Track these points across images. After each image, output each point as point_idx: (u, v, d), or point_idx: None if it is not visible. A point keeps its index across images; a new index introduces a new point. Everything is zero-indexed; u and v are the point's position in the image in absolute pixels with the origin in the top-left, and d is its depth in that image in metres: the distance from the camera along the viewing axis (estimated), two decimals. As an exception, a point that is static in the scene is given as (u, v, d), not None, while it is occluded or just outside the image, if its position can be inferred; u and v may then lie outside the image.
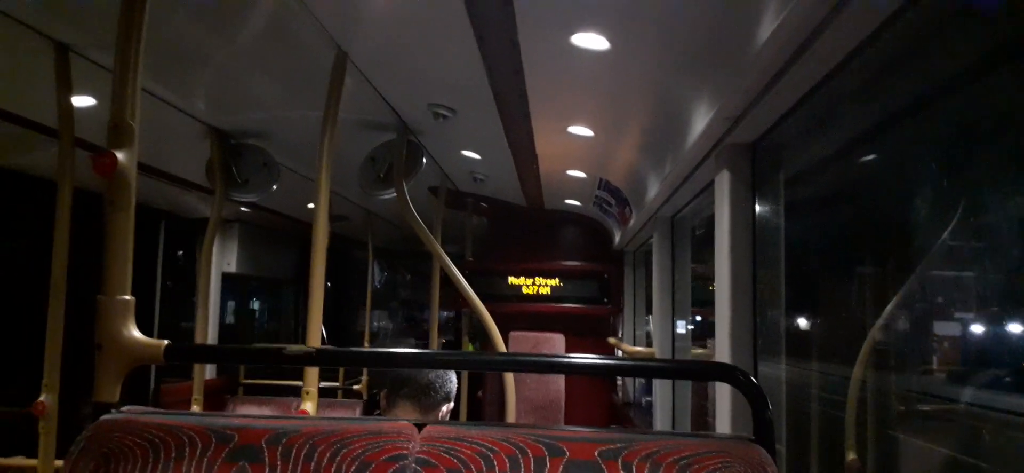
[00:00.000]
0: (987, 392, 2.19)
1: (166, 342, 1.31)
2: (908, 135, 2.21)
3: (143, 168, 4.04)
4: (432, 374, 2.17)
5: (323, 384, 6.35)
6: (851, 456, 2.39)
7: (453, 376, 2.25)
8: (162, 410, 1.34)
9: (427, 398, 2.16)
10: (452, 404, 2.24)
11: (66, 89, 2.64)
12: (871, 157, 2.51)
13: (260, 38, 2.59)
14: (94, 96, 2.90)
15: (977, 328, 2.28)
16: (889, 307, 2.39)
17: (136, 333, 1.33)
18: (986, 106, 1.90)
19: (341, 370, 6.76)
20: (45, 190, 3.13)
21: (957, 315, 2.36)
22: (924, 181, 2.27)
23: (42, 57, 2.58)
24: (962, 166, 2.11)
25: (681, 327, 4.58)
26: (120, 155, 1.35)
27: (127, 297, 1.34)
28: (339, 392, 6.71)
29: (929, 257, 2.26)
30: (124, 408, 1.27)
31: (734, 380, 1.24)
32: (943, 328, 2.44)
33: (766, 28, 1.75)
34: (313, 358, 1.43)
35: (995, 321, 2.18)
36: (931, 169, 2.24)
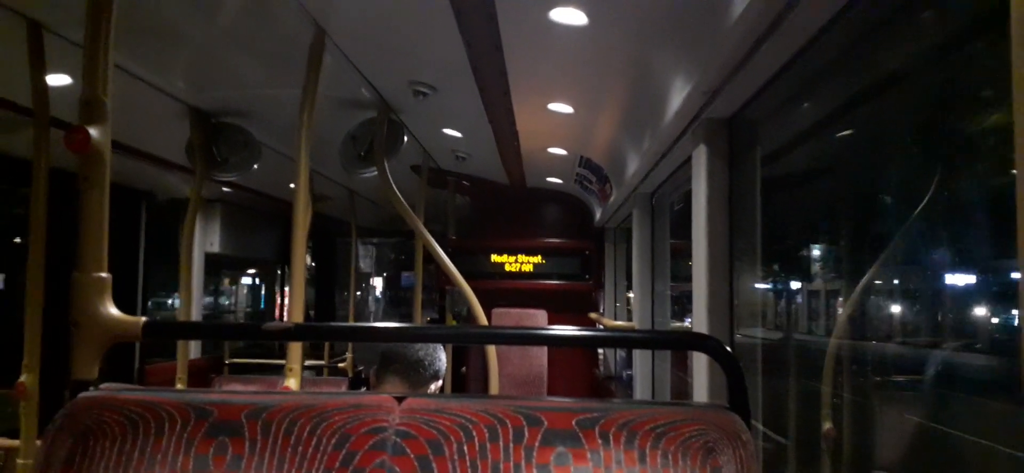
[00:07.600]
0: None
1: (144, 319, 1.31)
2: (880, 112, 2.24)
3: (123, 147, 4.00)
4: (421, 351, 2.15)
5: (309, 362, 6.36)
6: (827, 426, 2.45)
7: (442, 353, 2.23)
8: (141, 387, 1.34)
9: (416, 374, 2.14)
10: (441, 381, 2.22)
11: (40, 67, 2.60)
12: (846, 132, 2.54)
13: (238, 15, 2.56)
14: (69, 75, 2.87)
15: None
16: (863, 281, 2.44)
17: (113, 310, 1.32)
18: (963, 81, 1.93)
19: (326, 347, 6.77)
20: (22, 170, 3.10)
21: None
22: (898, 157, 2.31)
23: (14, 35, 2.55)
24: (937, 142, 2.14)
25: (663, 298, 4.62)
26: (93, 131, 1.34)
27: (103, 274, 1.34)
28: (325, 370, 6.73)
29: (901, 231, 2.30)
30: (103, 385, 1.26)
31: (709, 349, 1.27)
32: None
33: (740, 2, 1.77)
34: (292, 333, 1.43)
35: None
36: (905, 144, 2.27)
